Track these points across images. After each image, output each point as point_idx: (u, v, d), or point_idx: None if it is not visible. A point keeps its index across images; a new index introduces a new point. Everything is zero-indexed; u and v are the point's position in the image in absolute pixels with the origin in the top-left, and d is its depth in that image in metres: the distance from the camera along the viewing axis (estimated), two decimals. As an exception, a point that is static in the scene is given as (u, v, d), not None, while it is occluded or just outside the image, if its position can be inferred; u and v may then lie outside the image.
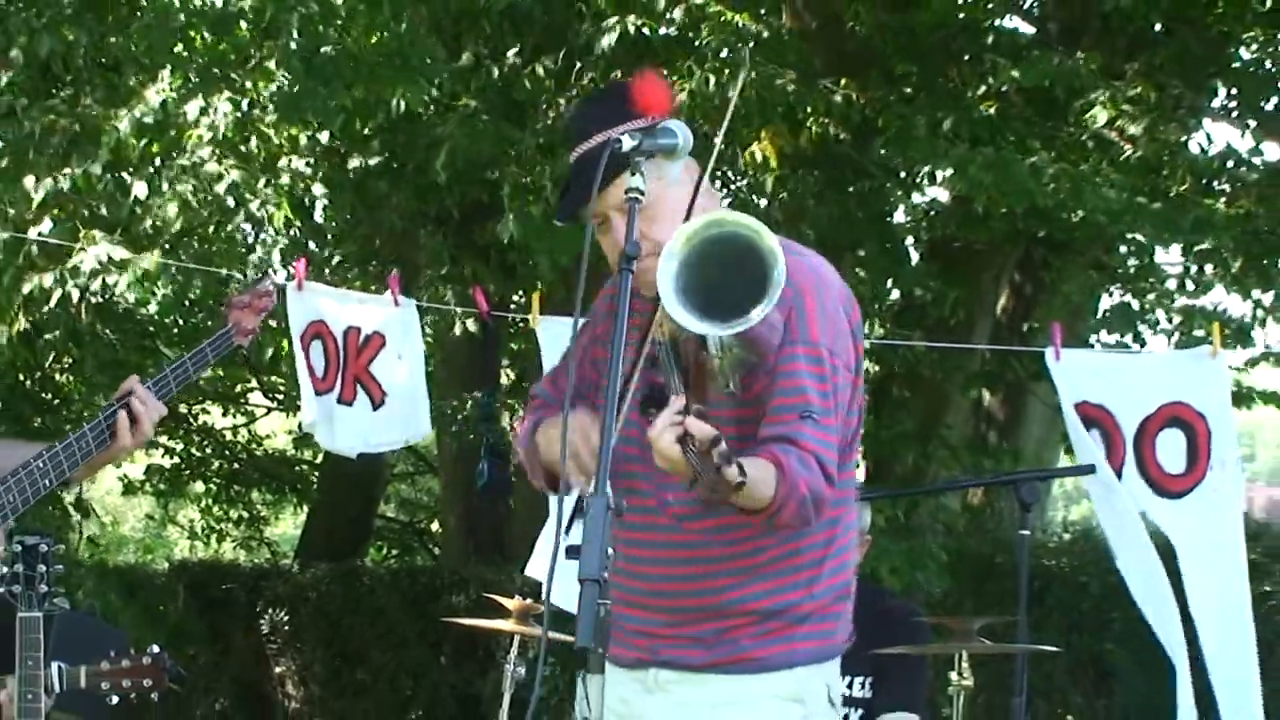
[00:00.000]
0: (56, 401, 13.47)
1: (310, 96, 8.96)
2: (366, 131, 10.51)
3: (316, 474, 16.40)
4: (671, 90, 3.80)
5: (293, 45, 8.84)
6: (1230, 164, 11.30)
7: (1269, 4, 10.98)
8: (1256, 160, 11.44)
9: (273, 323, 8.43)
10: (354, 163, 10.83)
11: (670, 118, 3.68)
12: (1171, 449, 6.65)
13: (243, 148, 9.37)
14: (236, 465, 17.37)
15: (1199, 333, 10.77)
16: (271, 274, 8.89)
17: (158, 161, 9.31)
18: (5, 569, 4.60)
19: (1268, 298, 10.95)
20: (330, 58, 8.99)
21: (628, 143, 3.47)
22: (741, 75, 4.16)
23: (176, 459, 16.80)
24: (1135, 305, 11.92)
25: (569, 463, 3.52)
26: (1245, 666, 6.64)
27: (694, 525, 3.70)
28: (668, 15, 10.27)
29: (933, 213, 11.81)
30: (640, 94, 3.71)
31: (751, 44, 10.07)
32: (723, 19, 10.24)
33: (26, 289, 8.95)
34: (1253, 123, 11.76)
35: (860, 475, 9.16)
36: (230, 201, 9.27)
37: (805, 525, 3.59)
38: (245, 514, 18.09)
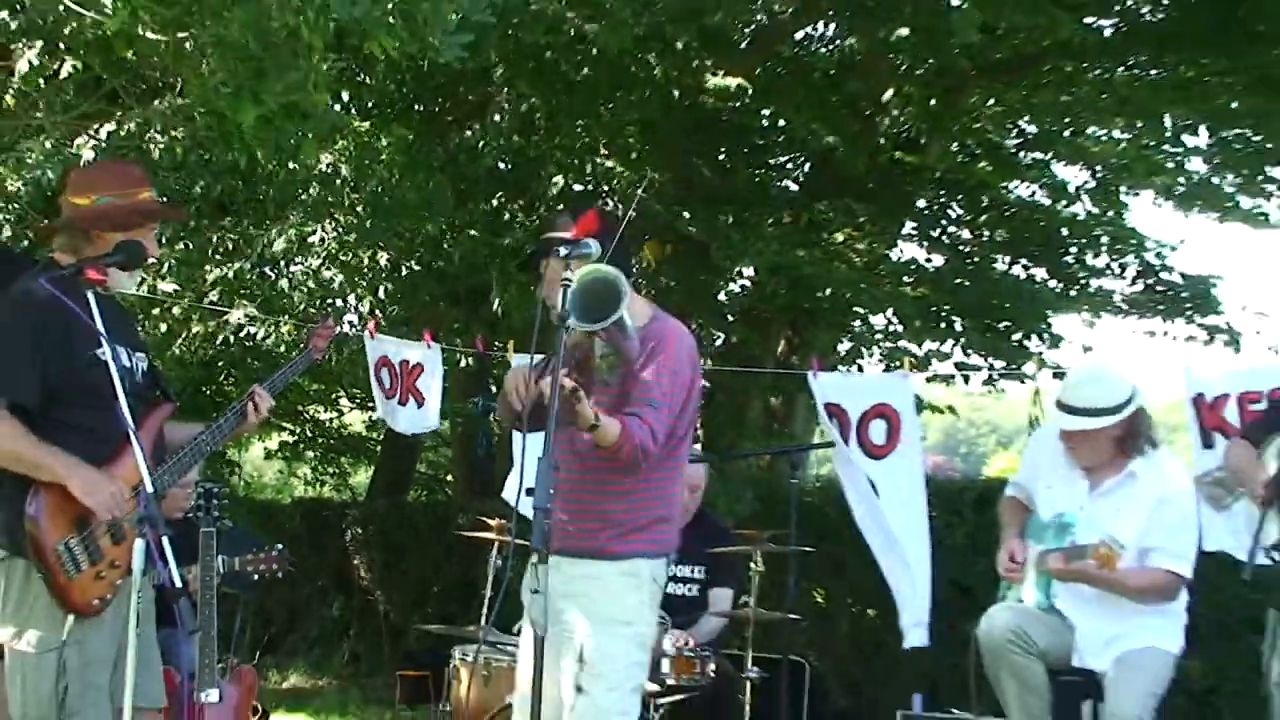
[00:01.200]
0: (224, 404, 13.28)
1: (374, 230, 8.96)
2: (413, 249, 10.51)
3: (379, 446, 16.21)
4: (598, 221, 3.81)
5: (370, 193, 8.85)
6: (914, 267, 11.52)
7: (939, 174, 11.21)
8: (928, 265, 11.67)
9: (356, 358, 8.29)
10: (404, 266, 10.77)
11: (588, 236, 3.72)
12: (878, 431, 6.73)
13: (342, 258, 9.31)
14: (331, 440, 17.22)
15: (895, 364, 10.88)
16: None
17: (287, 265, 9.26)
18: (193, 502, 4.66)
19: (935, 345, 11.08)
20: (389, 204, 8.96)
21: (563, 251, 3.61)
22: (631, 209, 4.20)
23: (295, 437, 16.67)
24: (859, 348, 11.99)
25: (512, 394, 3.70)
26: (923, 563, 6.69)
27: (588, 463, 3.77)
28: (587, 171, 10.30)
29: (743, 294, 11.87)
30: (581, 220, 3.78)
31: (641, 190, 10.13)
32: (623, 174, 10.35)
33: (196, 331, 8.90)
34: (926, 244, 12.02)
35: (698, 447, 9.18)
36: (335, 292, 9.27)
37: (636, 466, 3.70)
38: (336, 470, 17.89)
